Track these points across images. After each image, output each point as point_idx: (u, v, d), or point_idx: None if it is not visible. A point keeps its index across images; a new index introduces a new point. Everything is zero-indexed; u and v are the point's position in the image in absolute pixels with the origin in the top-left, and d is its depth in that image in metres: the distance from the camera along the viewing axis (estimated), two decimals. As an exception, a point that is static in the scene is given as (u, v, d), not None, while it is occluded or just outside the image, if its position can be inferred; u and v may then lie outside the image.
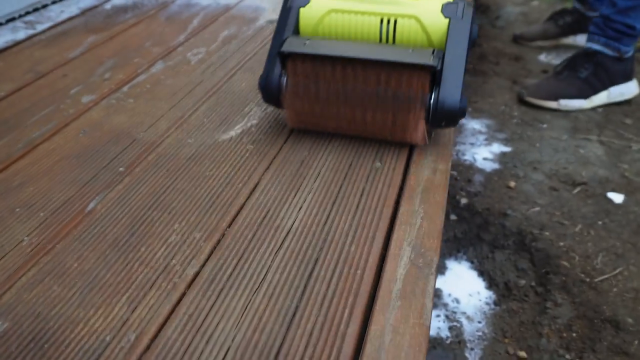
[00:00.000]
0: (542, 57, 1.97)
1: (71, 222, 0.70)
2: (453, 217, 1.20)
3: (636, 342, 0.92)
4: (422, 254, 0.63)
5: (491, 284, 1.06)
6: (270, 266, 0.62)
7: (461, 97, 0.76)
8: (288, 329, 0.54)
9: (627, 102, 1.60)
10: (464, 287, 1.07)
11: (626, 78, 1.57)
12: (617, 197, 1.23)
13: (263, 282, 0.60)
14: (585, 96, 1.56)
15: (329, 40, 0.82)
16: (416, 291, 0.58)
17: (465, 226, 1.18)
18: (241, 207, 0.72)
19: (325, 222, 0.69)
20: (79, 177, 0.79)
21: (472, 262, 1.12)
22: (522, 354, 0.91)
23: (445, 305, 1.01)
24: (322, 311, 0.56)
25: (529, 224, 1.16)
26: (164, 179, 0.78)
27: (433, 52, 0.76)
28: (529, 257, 1.10)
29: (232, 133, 0.89)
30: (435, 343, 0.94)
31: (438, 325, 0.97)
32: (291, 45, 0.79)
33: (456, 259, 1.12)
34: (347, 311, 0.56)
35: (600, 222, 1.16)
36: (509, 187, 1.26)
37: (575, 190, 1.26)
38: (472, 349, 0.93)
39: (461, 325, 0.97)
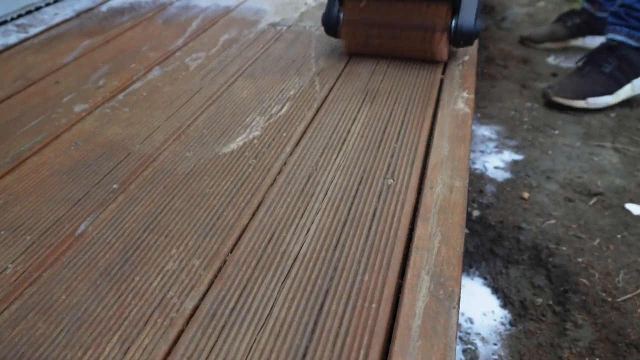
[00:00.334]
0: (551, 60, 1.91)
1: (60, 246, 0.65)
2: (465, 230, 1.14)
3: (662, 366, 0.87)
4: (442, 284, 0.58)
5: (506, 302, 1.01)
6: (276, 299, 0.56)
7: (475, 22, 1.03)
8: (297, 373, 0.49)
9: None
10: (478, 306, 1.01)
11: None
12: (635, 209, 1.18)
13: (269, 318, 0.54)
14: (611, 92, 1.50)
15: None
16: (437, 328, 0.53)
17: (478, 240, 1.12)
18: (244, 230, 0.66)
19: (336, 247, 0.63)
20: (69, 195, 0.74)
21: (485, 279, 1.06)
22: (542, 379, 0.86)
23: (459, 325, 0.95)
24: (334, 352, 0.50)
25: (545, 237, 1.10)
26: (161, 198, 0.73)
27: None
28: (545, 273, 1.04)
29: (233, 146, 0.84)
30: (449, 368, 0.88)
31: (451, 348, 0.91)
32: None
33: (468, 274, 1.06)
34: (362, 352, 0.50)
35: (619, 236, 1.10)
36: (523, 198, 1.20)
37: (592, 201, 1.20)
38: (488, 374, 0.87)
39: (476, 348, 0.92)
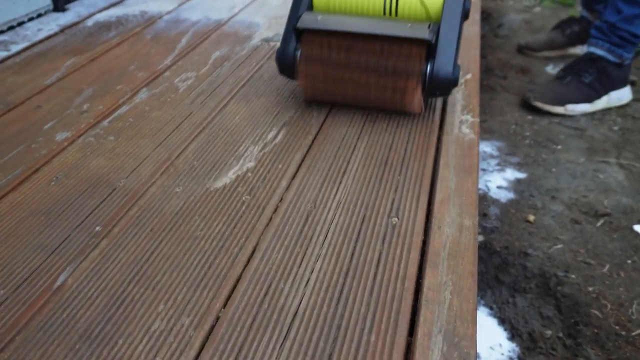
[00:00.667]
0: (550, 69, 1.87)
1: (36, 302, 0.59)
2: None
3: (681, 406, 0.82)
4: (455, 344, 0.53)
5: (514, 335, 0.96)
6: (274, 367, 0.51)
7: (454, 68, 0.86)
8: None
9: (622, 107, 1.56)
10: (484, 338, 0.96)
11: (624, 83, 1.58)
12: (644, 231, 1.13)
13: (267, 391, 0.49)
14: (590, 100, 1.56)
15: (338, 16, 0.92)
16: (453, 400, 0.48)
17: (483, 267, 1.07)
18: (238, 280, 0.61)
19: (338, 301, 0.58)
20: (47, 240, 0.68)
21: (491, 308, 1.01)
22: (555, 423, 0.81)
23: (466, 362, 0.90)
24: None
25: (553, 264, 1.06)
26: (147, 242, 0.67)
27: (429, 27, 0.86)
28: (554, 303, 0.99)
29: (226, 180, 0.78)
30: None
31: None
32: (305, 21, 0.90)
33: (474, 305, 1.01)
34: None
35: (629, 261, 1.06)
36: (528, 222, 1.16)
37: (599, 223, 1.16)
38: (498, 417, 0.83)
39: (485, 388, 0.87)
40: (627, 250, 1.09)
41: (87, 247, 0.67)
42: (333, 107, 0.98)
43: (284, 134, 0.90)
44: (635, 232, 1.14)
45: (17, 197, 0.76)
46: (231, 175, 0.79)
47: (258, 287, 0.60)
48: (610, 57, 1.51)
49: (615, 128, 1.51)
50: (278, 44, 1.30)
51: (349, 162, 0.82)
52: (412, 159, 0.82)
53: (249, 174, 0.80)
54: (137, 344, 0.54)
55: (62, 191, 0.77)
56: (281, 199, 0.74)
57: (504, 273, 1.06)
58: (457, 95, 1.02)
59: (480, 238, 1.13)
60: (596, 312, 0.96)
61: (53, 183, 0.79)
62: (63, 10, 1.50)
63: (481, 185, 1.28)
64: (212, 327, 0.56)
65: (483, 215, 1.19)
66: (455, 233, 0.67)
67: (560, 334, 0.95)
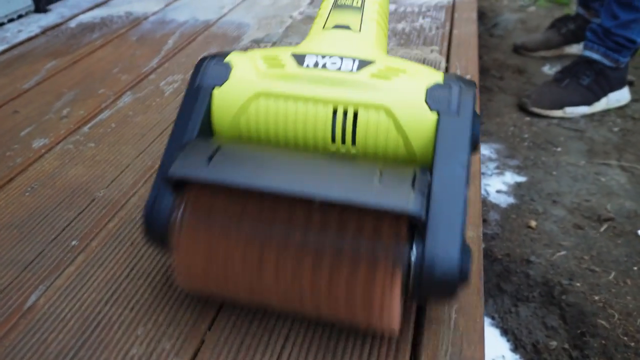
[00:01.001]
0: (546, 69, 1.84)
1: (4, 325, 0.54)
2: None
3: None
4: (462, 369, 0.48)
5: (517, 346, 0.92)
6: (264, 397, 0.46)
7: (461, 251, 0.44)
8: None
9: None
10: (486, 350, 0.92)
11: (622, 84, 1.56)
12: (649, 236, 1.10)
13: None
14: (589, 103, 1.53)
15: (251, 151, 0.49)
16: None
17: (483, 275, 1.03)
18: (225, 299, 0.56)
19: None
20: (19, 256, 0.63)
21: (493, 318, 0.97)
22: None
23: (468, 377, 0.86)
24: None
25: (556, 272, 1.02)
26: (127, 257, 0.62)
27: (414, 180, 0.44)
28: (559, 312, 0.95)
29: (213, 188, 0.74)
30: None
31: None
32: (188, 162, 0.46)
33: (475, 315, 0.97)
34: None
35: (635, 268, 1.02)
36: (530, 227, 1.12)
37: (602, 228, 1.12)
38: None
39: (488, 404, 0.83)
40: (633, 257, 1.05)
41: (62, 262, 0.62)
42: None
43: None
44: (640, 237, 1.10)
45: (-12, 209, 0.71)
46: (218, 183, 0.75)
47: (247, 307, 0.55)
48: (606, 62, 1.49)
49: (615, 129, 1.47)
50: (269, 45, 1.25)
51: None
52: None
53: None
54: (113, 372, 0.49)
55: (37, 202, 0.72)
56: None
57: (505, 281, 1.02)
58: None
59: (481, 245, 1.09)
60: (603, 322, 0.92)
61: (28, 193, 0.74)
62: (45, 11, 1.45)
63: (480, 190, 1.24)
64: (197, 352, 0.51)
65: (483, 221, 1.14)
66: None
67: (566, 345, 0.90)
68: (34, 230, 0.67)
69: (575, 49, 1.89)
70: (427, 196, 0.45)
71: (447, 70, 1.12)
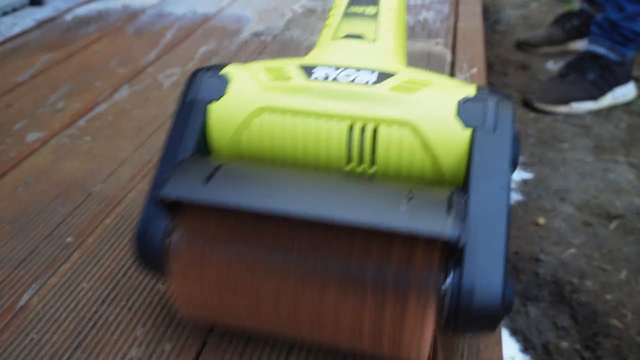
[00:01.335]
0: (550, 65, 1.81)
1: (-5, 326, 0.51)
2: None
3: None
4: (481, 372, 0.45)
5: (527, 347, 0.89)
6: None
7: (505, 281, 0.40)
8: None
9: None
10: (496, 351, 0.89)
11: (627, 79, 1.54)
12: (660, 233, 1.07)
13: None
14: (595, 98, 1.51)
15: (258, 170, 0.43)
16: None
17: (491, 274, 1.00)
18: (228, 298, 0.53)
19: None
20: (11, 253, 0.60)
21: (501, 318, 0.94)
22: None
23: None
24: None
25: (566, 270, 0.99)
26: (125, 254, 0.59)
27: (450, 202, 0.39)
28: (569, 312, 0.93)
29: (214, 183, 0.71)
30: None
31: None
32: (185, 182, 0.40)
33: (483, 315, 0.94)
34: None
35: (647, 266, 1.00)
36: (538, 225, 1.09)
37: (612, 225, 1.09)
38: None
39: (499, 407, 0.80)
40: (644, 254, 1.03)
41: (56, 260, 0.59)
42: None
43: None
44: (651, 235, 1.07)
45: (-21, 205, 0.68)
46: (220, 177, 0.72)
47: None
48: (611, 56, 1.46)
49: (622, 125, 1.45)
50: (269, 38, 1.22)
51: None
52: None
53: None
54: (110, 375, 0.46)
55: (31, 197, 0.69)
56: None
57: (514, 280, 0.99)
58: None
59: (488, 243, 1.06)
60: (616, 322, 0.89)
61: (21, 188, 0.71)
62: (40, 4, 1.42)
63: (486, 186, 1.22)
64: (198, 354, 0.48)
65: (490, 218, 1.12)
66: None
67: (578, 346, 0.88)
68: (27, 226, 0.64)
69: (579, 45, 1.86)
70: (463, 216, 0.39)
71: (453, 64, 1.09)
